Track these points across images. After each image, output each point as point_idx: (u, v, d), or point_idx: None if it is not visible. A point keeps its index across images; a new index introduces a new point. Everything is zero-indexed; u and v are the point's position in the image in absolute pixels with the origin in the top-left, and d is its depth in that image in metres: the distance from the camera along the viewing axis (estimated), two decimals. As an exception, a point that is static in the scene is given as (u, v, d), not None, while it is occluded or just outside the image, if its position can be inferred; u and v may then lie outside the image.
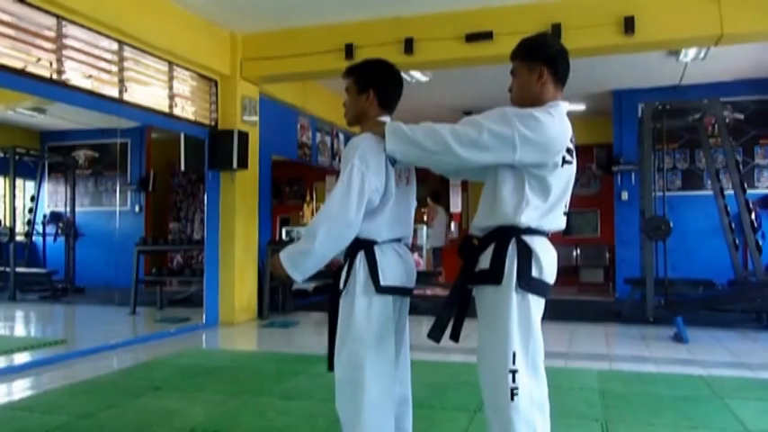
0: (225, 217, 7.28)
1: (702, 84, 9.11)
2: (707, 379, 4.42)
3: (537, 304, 2.07)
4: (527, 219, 2.05)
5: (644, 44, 6.33)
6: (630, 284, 8.00)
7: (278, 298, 8.11)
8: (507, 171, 2.08)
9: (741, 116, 9.33)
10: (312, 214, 10.98)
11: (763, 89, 9.19)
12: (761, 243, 7.41)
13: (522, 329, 2.03)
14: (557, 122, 2.07)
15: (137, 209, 10.83)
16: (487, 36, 6.42)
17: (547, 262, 2.09)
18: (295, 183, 13.70)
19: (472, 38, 6.47)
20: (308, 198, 12.03)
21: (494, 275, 2.05)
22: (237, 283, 7.27)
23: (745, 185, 7.57)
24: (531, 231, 2.08)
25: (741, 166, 8.15)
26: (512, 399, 2.00)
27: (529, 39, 2.30)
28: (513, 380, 2.00)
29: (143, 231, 10.30)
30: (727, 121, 8.44)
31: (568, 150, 2.11)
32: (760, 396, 3.96)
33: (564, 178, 2.12)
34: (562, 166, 2.09)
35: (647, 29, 6.08)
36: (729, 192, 7.52)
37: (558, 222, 2.16)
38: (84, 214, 10.75)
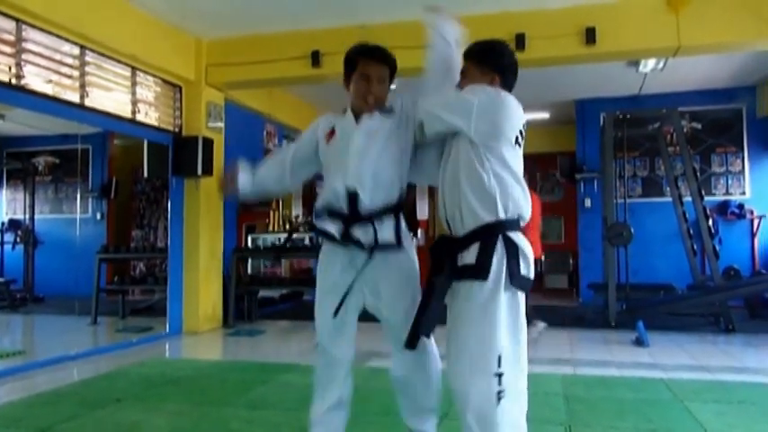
0: (189, 224, 7.19)
1: (661, 94, 9.34)
2: (667, 382, 4.51)
3: (523, 300, 2.11)
4: (511, 209, 2.09)
5: (605, 54, 6.47)
6: (593, 290, 8.14)
7: (243, 306, 8.04)
8: (466, 149, 2.14)
9: (698, 125, 9.59)
10: (278, 221, 10.92)
11: (719, 99, 9.47)
12: (718, 248, 7.62)
13: (511, 328, 2.04)
14: (514, 100, 2.18)
15: (98, 216, 10.61)
16: (453, 45, 6.47)
17: (531, 258, 2.13)
18: (261, 190, 13.55)
19: (438, 46, 6.52)
20: (273, 205, 11.94)
21: (480, 271, 2.04)
22: (202, 291, 7.18)
23: (703, 193, 7.78)
24: (515, 225, 2.11)
25: (699, 174, 8.38)
26: (498, 402, 1.97)
27: (485, 43, 2.35)
28: (500, 383, 1.98)
29: (105, 239, 10.11)
30: (684, 130, 8.67)
31: (521, 132, 2.19)
32: (718, 398, 4.06)
33: (520, 160, 2.20)
34: (516, 144, 2.16)
35: (608, 40, 6.22)
36: (688, 199, 7.71)
37: (529, 207, 2.19)
38: (44, 222, 10.50)
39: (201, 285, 7.17)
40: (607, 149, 7.73)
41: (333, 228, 2.44)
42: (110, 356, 5.79)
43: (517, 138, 2.16)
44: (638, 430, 3.42)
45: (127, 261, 10.26)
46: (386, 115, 2.48)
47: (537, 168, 12.84)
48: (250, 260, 9.69)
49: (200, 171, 6.95)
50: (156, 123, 6.93)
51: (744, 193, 9.44)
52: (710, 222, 7.71)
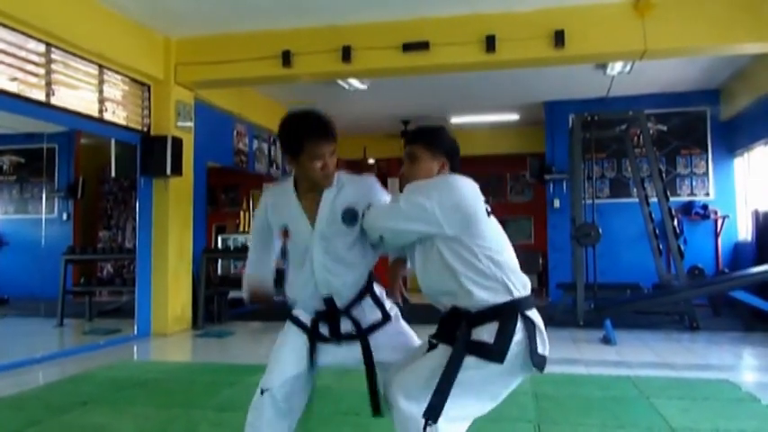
0: (158, 225, 7.10)
1: (628, 96, 9.49)
2: (634, 379, 4.59)
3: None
4: (520, 285, 2.07)
5: (573, 57, 6.57)
6: (562, 289, 8.24)
7: (213, 307, 7.96)
8: (447, 245, 2.06)
9: (664, 128, 9.77)
10: (248, 222, 10.85)
11: (684, 102, 9.67)
12: (683, 248, 7.78)
13: (489, 399, 2.10)
14: (461, 179, 2.14)
15: (64, 216, 10.42)
16: (424, 46, 6.52)
17: (545, 335, 2.10)
18: (231, 190, 13.47)
19: (409, 47, 6.56)
20: (244, 205, 11.88)
21: (498, 354, 1.99)
22: (171, 292, 7.10)
23: (668, 193, 7.93)
24: (530, 302, 2.09)
25: (664, 176, 8.55)
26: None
27: (431, 128, 2.36)
28: (431, 421, 1.97)
29: (71, 240, 9.93)
30: (651, 132, 8.83)
31: (486, 201, 2.16)
32: (682, 395, 4.15)
33: (498, 226, 2.16)
34: (489, 216, 2.13)
35: (576, 43, 6.31)
36: (654, 199, 7.86)
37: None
38: (8, 222, 10.27)
39: (170, 287, 7.09)
40: (575, 151, 7.84)
41: (323, 328, 2.39)
42: (76, 359, 5.69)
43: (486, 209, 2.13)
44: (606, 427, 3.48)
45: (94, 262, 10.11)
46: (348, 223, 2.35)
47: (506, 169, 12.98)
48: (220, 261, 9.61)
49: (168, 171, 6.87)
50: (123, 122, 6.83)
51: (708, 194, 9.64)
52: (676, 223, 7.86)
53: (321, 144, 2.25)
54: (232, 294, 8.19)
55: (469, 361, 2.00)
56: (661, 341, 6.40)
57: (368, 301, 2.41)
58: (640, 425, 3.52)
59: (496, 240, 2.11)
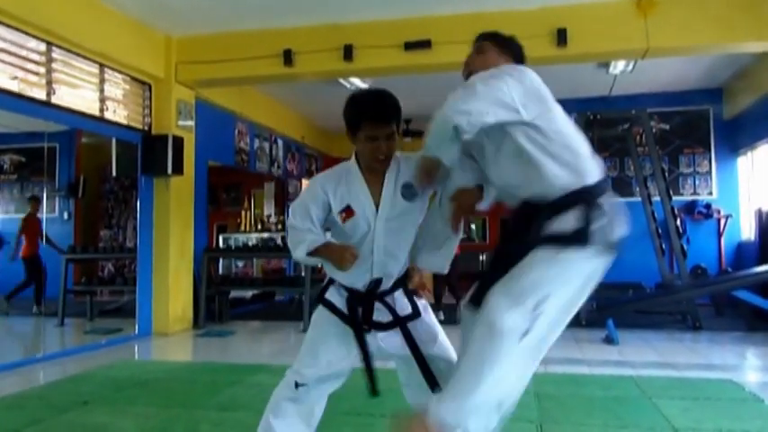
0: (159, 224, 7.09)
1: (631, 95, 9.47)
2: (636, 379, 4.57)
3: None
4: (591, 174, 2.01)
5: (575, 56, 6.55)
6: (564, 289, 8.21)
7: (214, 307, 7.95)
8: (524, 133, 2.00)
9: (667, 126, 9.75)
10: (250, 221, 10.84)
11: (687, 101, 9.64)
12: (685, 247, 7.75)
13: (579, 294, 1.97)
14: (528, 68, 2.12)
15: (65, 216, 10.41)
16: (426, 45, 6.50)
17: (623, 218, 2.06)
18: (232, 189, 13.45)
19: (411, 46, 6.54)
20: (245, 205, 11.86)
21: (581, 237, 1.91)
22: (172, 291, 7.09)
23: (671, 192, 7.91)
24: (606, 186, 2.03)
25: (667, 174, 8.52)
26: (516, 338, 1.83)
27: (502, 34, 2.39)
28: (533, 321, 1.85)
29: (72, 239, 9.92)
30: (653, 131, 8.81)
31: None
32: (684, 395, 4.13)
33: (566, 116, 2.13)
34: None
35: (579, 41, 6.29)
36: (656, 198, 7.83)
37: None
38: (9, 221, 10.25)
39: (171, 286, 7.08)
40: (578, 150, 7.80)
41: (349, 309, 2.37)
42: (77, 358, 5.68)
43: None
44: (608, 427, 3.46)
45: (95, 261, 10.10)
46: (408, 198, 2.34)
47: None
48: (221, 260, 9.60)
49: (170, 170, 6.86)
50: (124, 121, 6.82)
51: (711, 194, 9.62)
52: (678, 222, 7.84)
53: (377, 126, 2.26)
54: (233, 294, 8.18)
55: (556, 252, 1.91)
56: (664, 341, 6.37)
57: (400, 292, 2.41)
58: (642, 425, 3.50)
59: (568, 126, 2.08)
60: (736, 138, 9.28)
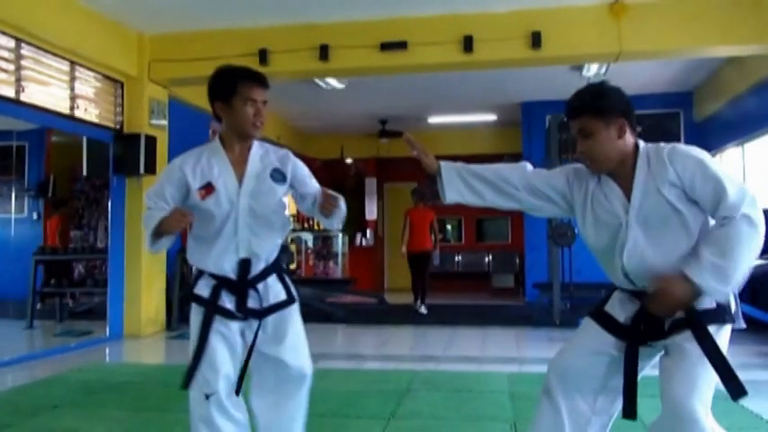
0: (131, 224, 6.98)
1: (604, 97, 9.55)
2: (609, 379, 4.62)
3: None
4: None
5: (550, 58, 6.62)
6: (539, 289, 8.29)
7: (187, 309, 7.85)
8: (692, 211, 1.95)
9: (639, 128, 9.84)
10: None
11: (659, 104, 9.78)
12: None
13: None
14: None
15: (35, 216, 10.23)
16: (402, 45, 6.51)
17: None
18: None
19: (387, 47, 6.55)
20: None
21: (726, 313, 1.96)
22: (144, 293, 7.00)
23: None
24: None
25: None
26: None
27: (593, 91, 2.10)
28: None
29: (41, 240, 9.75)
30: (626, 133, 8.91)
31: None
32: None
33: None
34: None
35: (553, 44, 6.36)
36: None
37: None
38: (-23, 221, 10.05)
39: (143, 287, 6.99)
40: (552, 151, 7.89)
41: (228, 302, 2.32)
42: (46, 362, 5.57)
43: None
44: (582, 427, 3.48)
45: (65, 262, 9.93)
46: (277, 180, 2.36)
47: (484, 169, 13.00)
48: (195, 261, 9.49)
49: (142, 170, 6.77)
50: (96, 120, 6.71)
51: (681, 195, 9.76)
52: (650, 223, 7.93)
53: (255, 88, 2.28)
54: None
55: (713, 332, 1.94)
56: (636, 340, 6.44)
57: (274, 278, 2.38)
58: (620, 424, 3.53)
59: None
60: (706, 140, 9.42)
